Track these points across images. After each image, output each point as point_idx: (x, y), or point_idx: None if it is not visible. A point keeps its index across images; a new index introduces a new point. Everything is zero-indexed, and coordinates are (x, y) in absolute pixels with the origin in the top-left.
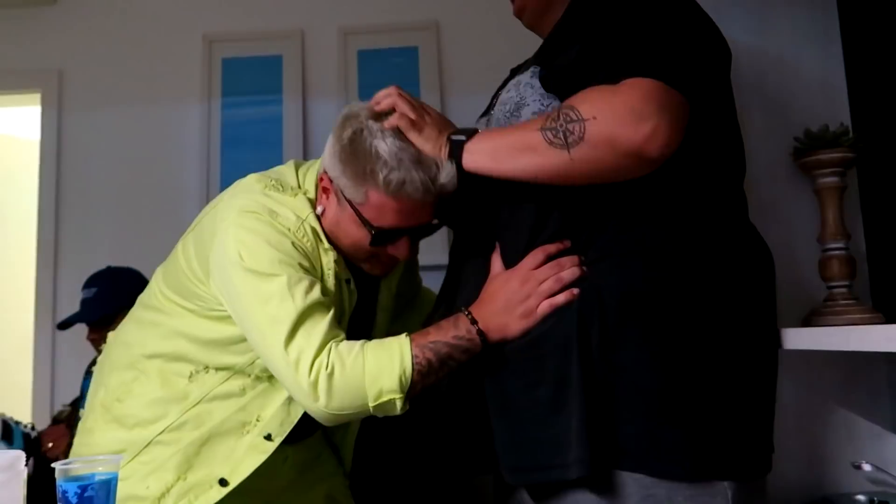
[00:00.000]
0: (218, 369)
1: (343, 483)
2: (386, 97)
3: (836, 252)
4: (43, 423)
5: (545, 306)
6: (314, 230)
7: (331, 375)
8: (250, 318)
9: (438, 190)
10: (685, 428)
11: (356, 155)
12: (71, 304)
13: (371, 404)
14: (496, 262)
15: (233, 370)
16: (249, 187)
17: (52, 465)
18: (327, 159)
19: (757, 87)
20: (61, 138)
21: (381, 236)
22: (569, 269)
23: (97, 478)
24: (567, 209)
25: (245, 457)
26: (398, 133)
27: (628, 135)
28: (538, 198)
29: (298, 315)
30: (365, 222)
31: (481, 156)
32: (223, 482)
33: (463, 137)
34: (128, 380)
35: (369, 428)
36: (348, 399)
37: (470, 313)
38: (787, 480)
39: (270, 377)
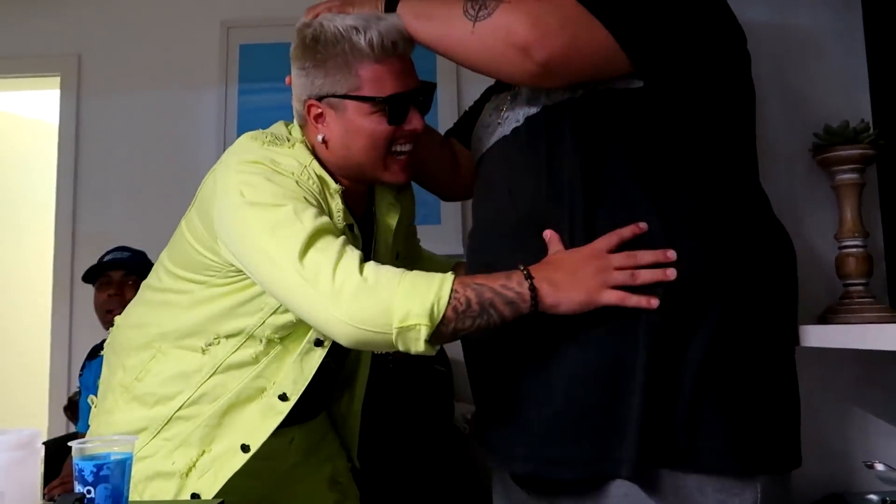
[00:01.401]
0: (229, 337)
1: (346, 466)
2: (310, 10)
3: (854, 249)
4: (60, 405)
5: (613, 296)
6: (319, 175)
7: (364, 280)
8: (258, 248)
9: (407, 35)
10: (731, 421)
11: (327, 45)
12: (89, 287)
13: (395, 325)
14: (555, 239)
15: (244, 335)
16: (246, 145)
17: (69, 443)
18: (302, 81)
19: (777, 82)
20: (80, 121)
21: (393, 107)
22: (649, 272)
23: (113, 457)
24: (605, 192)
25: (262, 420)
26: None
27: (524, 29)
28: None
29: (309, 234)
30: (371, 100)
31: (407, 14)
32: (245, 448)
33: None
34: (145, 359)
35: (371, 416)
36: (373, 311)
37: (526, 269)
38: (800, 477)
39: (283, 339)
